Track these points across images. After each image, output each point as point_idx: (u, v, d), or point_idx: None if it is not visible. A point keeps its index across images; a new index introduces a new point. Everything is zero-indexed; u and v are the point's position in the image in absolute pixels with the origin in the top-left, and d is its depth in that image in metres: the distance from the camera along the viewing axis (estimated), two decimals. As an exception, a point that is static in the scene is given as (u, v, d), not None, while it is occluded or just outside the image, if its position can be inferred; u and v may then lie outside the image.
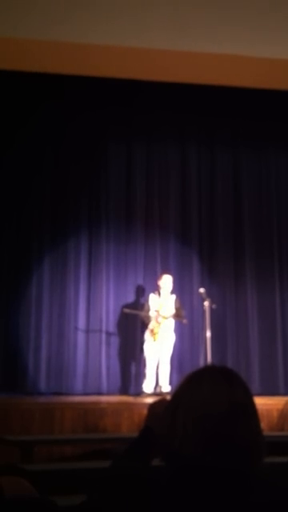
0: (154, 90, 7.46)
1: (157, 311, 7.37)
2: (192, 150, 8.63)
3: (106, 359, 7.95)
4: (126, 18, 5.47)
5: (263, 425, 1.36)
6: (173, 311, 7.43)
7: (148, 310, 7.45)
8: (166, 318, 7.36)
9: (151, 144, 8.51)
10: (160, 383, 7.34)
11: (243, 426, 1.30)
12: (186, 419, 1.31)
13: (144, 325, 7.56)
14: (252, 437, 1.30)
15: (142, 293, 8.12)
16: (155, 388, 7.32)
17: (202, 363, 7.58)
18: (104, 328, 8.02)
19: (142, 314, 7.54)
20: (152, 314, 7.39)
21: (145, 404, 6.51)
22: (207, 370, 1.43)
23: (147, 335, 7.43)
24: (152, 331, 7.36)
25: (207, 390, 1.33)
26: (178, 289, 7.98)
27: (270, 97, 7.29)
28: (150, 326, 7.39)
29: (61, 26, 5.40)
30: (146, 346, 7.43)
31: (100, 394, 7.68)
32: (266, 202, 8.66)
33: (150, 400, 6.70)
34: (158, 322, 7.35)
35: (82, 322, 7.99)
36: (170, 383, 7.32)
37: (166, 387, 7.25)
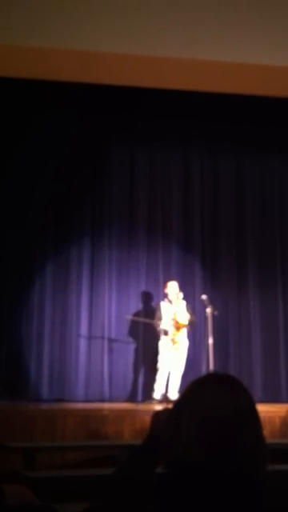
0: (157, 97, 7.48)
1: (174, 320, 7.35)
2: (195, 156, 8.63)
3: (109, 366, 7.95)
4: (129, 26, 5.49)
5: (266, 432, 1.36)
6: (187, 317, 7.43)
7: (160, 318, 7.44)
8: (185, 326, 7.36)
9: (154, 151, 8.52)
10: (169, 390, 7.29)
11: (246, 432, 1.30)
12: (189, 424, 1.31)
13: (157, 333, 7.49)
14: (255, 442, 1.31)
15: (144, 300, 8.12)
16: (164, 395, 7.29)
17: (204, 370, 7.56)
18: (106, 334, 8.02)
19: (154, 322, 7.52)
20: (169, 322, 7.35)
21: (147, 411, 6.51)
22: (210, 377, 1.43)
23: (164, 344, 7.36)
24: (173, 340, 7.33)
25: (210, 395, 1.33)
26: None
27: (272, 104, 7.29)
28: (170, 335, 7.34)
29: (64, 33, 5.42)
30: (162, 355, 7.38)
31: (102, 400, 7.66)
32: (269, 208, 8.65)
33: (157, 407, 6.71)
34: (178, 330, 7.33)
35: (84, 329, 7.98)
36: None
37: (174, 395, 7.19)
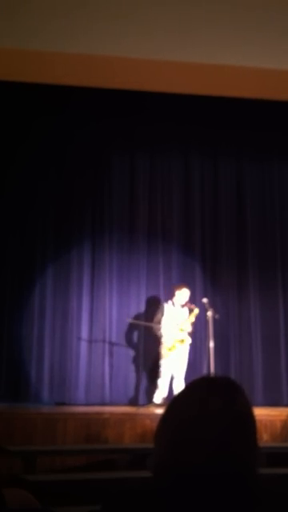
0: (158, 102, 7.49)
1: (180, 329, 7.33)
2: (195, 161, 8.64)
3: (109, 369, 7.94)
4: (130, 29, 5.49)
5: (266, 436, 1.36)
6: (189, 327, 7.41)
7: (159, 321, 7.44)
8: (183, 340, 7.35)
9: (154, 155, 8.52)
10: (173, 395, 7.26)
11: (240, 437, 1.29)
12: (174, 428, 1.30)
13: (156, 337, 7.50)
14: (245, 446, 1.29)
15: (144, 303, 8.12)
16: (165, 399, 7.28)
17: (205, 373, 7.56)
18: (107, 338, 8.02)
19: (154, 326, 7.51)
20: (170, 327, 7.35)
21: (148, 415, 6.50)
22: (205, 380, 1.42)
23: (164, 351, 7.36)
24: (169, 348, 7.30)
25: (204, 399, 1.32)
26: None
27: (273, 108, 7.30)
28: (167, 342, 7.32)
29: (64, 36, 5.43)
30: (163, 361, 7.36)
31: (103, 404, 7.66)
32: (270, 212, 8.65)
33: (158, 410, 6.70)
34: (181, 340, 7.31)
35: (84, 333, 7.98)
36: (175, 393, 7.29)
37: None
